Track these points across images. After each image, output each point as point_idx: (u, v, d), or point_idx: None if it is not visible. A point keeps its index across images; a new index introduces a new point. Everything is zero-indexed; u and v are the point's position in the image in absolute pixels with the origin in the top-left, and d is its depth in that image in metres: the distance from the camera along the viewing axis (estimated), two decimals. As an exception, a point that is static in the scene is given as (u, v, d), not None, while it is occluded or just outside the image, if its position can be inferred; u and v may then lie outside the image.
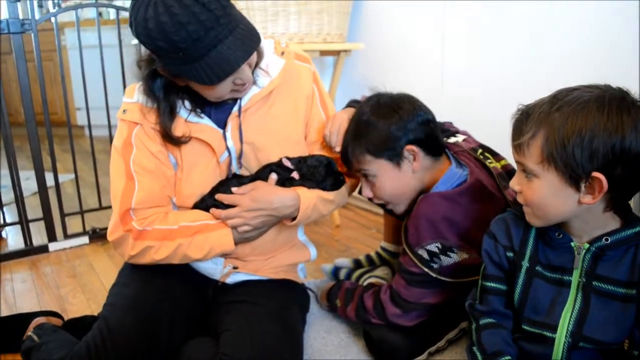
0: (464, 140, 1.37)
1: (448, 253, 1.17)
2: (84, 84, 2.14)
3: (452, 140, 1.36)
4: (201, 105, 1.22)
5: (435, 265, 1.19)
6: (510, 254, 1.02)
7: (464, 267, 1.17)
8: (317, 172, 1.25)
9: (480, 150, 1.33)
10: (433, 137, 1.23)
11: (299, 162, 1.26)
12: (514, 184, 0.95)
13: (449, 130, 1.42)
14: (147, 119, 1.19)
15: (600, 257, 0.91)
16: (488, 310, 1.04)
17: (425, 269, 1.19)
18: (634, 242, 0.90)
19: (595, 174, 0.83)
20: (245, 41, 1.05)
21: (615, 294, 0.91)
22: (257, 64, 1.20)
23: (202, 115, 1.22)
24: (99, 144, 2.40)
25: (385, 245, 1.67)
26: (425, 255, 1.18)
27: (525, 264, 0.99)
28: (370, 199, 1.30)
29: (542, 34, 1.72)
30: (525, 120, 0.89)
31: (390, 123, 1.19)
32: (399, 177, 1.22)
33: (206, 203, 1.22)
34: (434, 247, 1.17)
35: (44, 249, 2.13)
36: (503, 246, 1.02)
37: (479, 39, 1.93)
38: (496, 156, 1.34)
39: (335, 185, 1.28)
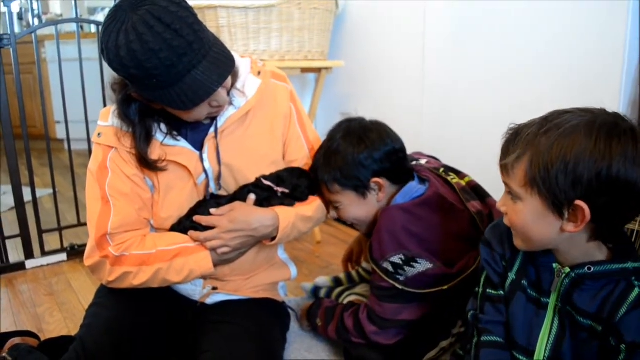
0: (426, 162, 1.42)
1: (412, 264, 1.19)
2: (63, 97, 2.12)
3: (413, 163, 1.40)
4: (177, 127, 1.21)
5: (400, 277, 1.20)
6: (504, 263, 1.00)
7: (429, 277, 1.19)
8: (299, 187, 1.27)
9: (442, 169, 1.37)
10: (400, 166, 1.27)
11: (278, 179, 1.26)
12: (500, 204, 0.93)
13: (413, 157, 1.46)
14: (123, 143, 1.18)
15: (578, 285, 0.88)
16: (496, 320, 1.00)
17: (391, 282, 1.21)
18: (617, 277, 0.85)
19: (578, 202, 0.79)
20: (219, 65, 1.04)
21: (583, 325, 0.88)
22: (233, 84, 1.20)
23: (179, 137, 1.21)
24: (78, 158, 2.37)
25: (365, 266, 1.68)
26: (390, 268, 1.20)
27: (512, 275, 0.98)
28: (337, 219, 1.35)
29: (525, 50, 1.73)
30: (514, 141, 0.86)
31: (359, 152, 1.22)
32: (362, 205, 1.28)
33: (184, 225, 1.21)
34: (397, 258, 1.19)
35: (20, 266, 2.09)
36: (499, 254, 1.00)
37: (459, 56, 1.95)
38: (460, 174, 1.38)
39: (315, 187, 1.31)
